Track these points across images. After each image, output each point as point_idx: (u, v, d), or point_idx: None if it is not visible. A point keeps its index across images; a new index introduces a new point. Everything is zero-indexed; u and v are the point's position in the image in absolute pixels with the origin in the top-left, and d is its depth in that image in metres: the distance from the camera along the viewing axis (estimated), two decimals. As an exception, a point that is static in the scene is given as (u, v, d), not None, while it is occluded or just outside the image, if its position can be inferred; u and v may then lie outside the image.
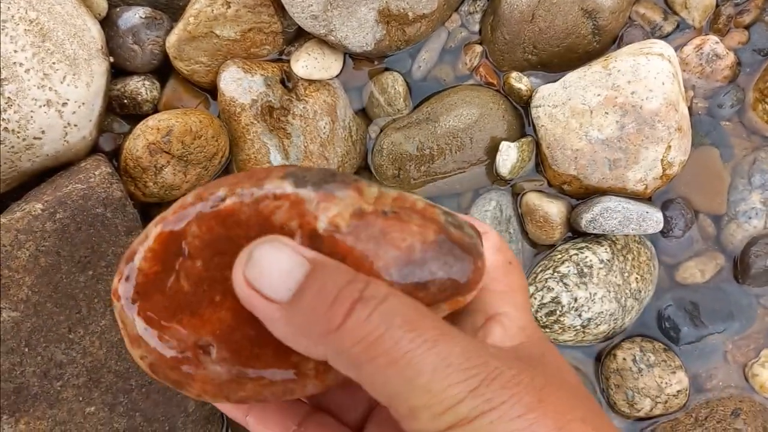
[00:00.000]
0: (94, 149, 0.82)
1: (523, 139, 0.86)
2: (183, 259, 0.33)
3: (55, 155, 0.76)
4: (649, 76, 0.78)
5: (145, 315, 0.34)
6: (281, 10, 0.84)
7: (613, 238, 0.84)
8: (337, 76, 0.88)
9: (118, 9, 0.84)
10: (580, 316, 0.81)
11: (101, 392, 0.73)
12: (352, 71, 0.90)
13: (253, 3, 0.82)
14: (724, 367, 0.87)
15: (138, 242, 0.34)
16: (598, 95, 0.80)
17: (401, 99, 0.89)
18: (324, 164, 0.85)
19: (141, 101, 0.84)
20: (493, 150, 0.86)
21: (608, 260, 0.82)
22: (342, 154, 0.87)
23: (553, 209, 0.84)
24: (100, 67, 0.78)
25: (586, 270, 0.82)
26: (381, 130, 0.90)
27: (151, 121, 0.79)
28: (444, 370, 0.28)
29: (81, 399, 0.72)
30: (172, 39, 0.83)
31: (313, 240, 0.32)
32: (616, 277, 0.82)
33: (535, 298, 0.83)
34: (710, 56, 0.87)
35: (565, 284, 0.82)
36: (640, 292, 0.85)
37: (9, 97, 0.70)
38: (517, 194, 0.88)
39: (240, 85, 0.82)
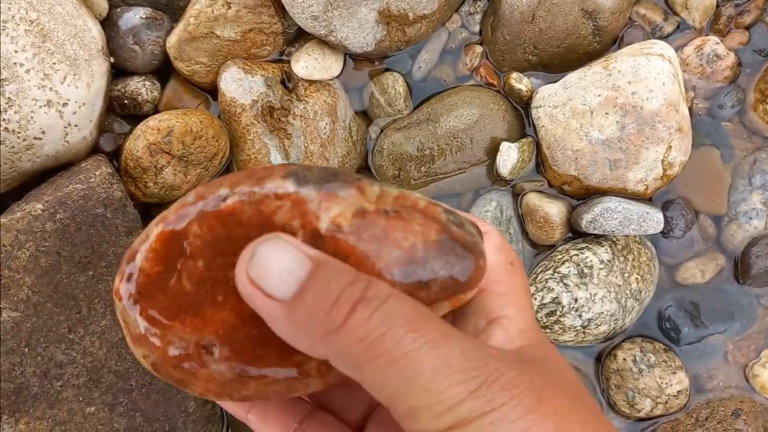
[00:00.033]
0: (94, 149, 0.82)
1: (523, 140, 0.86)
2: (185, 259, 0.33)
3: (56, 155, 0.76)
4: (650, 76, 0.78)
5: (147, 315, 0.34)
6: (282, 11, 0.84)
7: (614, 239, 0.84)
8: (337, 76, 0.88)
9: (118, 9, 0.84)
10: (580, 316, 0.81)
11: (101, 392, 0.73)
12: (352, 72, 0.90)
13: (253, 3, 0.83)
14: (725, 367, 0.87)
15: (139, 242, 0.34)
16: (599, 96, 0.80)
17: (402, 99, 0.89)
18: (324, 164, 0.85)
19: (141, 102, 0.84)
20: (493, 150, 0.86)
21: (609, 261, 0.82)
22: (342, 154, 0.87)
23: (554, 210, 0.84)
24: (100, 68, 0.79)
25: (586, 270, 0.82)
26: (381, 131, 0.90)
27: (152, 121, 0.79)
28: (444, 370, 0.28)
29: (81, 399, 0.72)
30: (172, 39, 0.83)
31: (315, 240, 0.32)
32: (616, 278, 0.82)
33: (536, 299, 0.83)
34: (711, 57, 0.87)
35: (565, 285, 0.82)
36: (641, 292, 0.85)
37: (9, 98, 0.70)
38: (517, 195, 0.88)
39: (240, 85, 0.82)
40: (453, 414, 0.28)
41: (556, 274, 0.82)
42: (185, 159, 0.79)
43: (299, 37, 0.89)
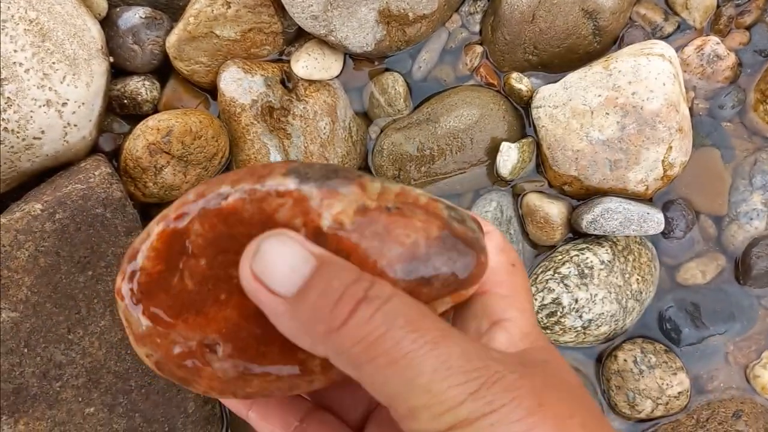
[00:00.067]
0: (93, 149, 0.82)
1: (523, 140, 0.86)
2: (186, 258, 0.33)
3: (55, 155, 0.76)
4: (650, 76, 0.78)
5: (150, 314, 0.34)
6: (281, 11, 0.84)
7: (614, 239, 0.84)
8: (337, 76, 0.88)
9: (118, 9, 0.84)
10: (580, 317, 0.81)
11: (101, 393, 0.72)
12: (352, 72, 0.90)
13: (253, 3, 0.82)
14: (726, 368, 0.87)
15: (140, 241, 0.34)
16: (599, 96, 0.80)
17: (401, 99, 0.88)
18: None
19: (141, 101, 0.84)
20: (493, 151, 0.86)
21: (609, 261, 0.82)
22: (342, 154, 0.86)
23: (554, 210, 0.84)
24: (100, 67, 0.78)
25: (586, 271, 0.82)
26: (381, 131, 0.90)
27: (151, 121, 0.79)
28: (445, 371, 0.28)
29: (80, 400, 0.72)
30: (172, 39, 0.83)
31: (318, 238, 0.32)
32: (617, 278, 0.82)
33: (536, 299, 0.83)
34: (711, 57, 0.87)
35: (565, 285, 0.81)
36: (641, 293, 0.84)
37: (9, 97, 0.70)
38: (517, 195, 0.88)
39: (240, 85, 0.82)
40: (453, 415, 0.28)
41: (556, 275, 0.82)
42: (185, 159, 0.79)
43: (299, 36, 0.88)
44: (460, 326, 0.36)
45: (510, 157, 0.84)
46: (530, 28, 0.85)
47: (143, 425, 0.74)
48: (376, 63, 0.90)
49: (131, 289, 0.34)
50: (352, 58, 0.90)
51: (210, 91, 0.88)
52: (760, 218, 0.87)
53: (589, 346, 0.86)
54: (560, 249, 0.85)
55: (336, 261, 0.30)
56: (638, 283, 0.84)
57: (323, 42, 0.86)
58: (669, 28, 0.90)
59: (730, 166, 0.89)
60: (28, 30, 0.71)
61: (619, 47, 0.89)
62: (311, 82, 0.86)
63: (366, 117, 0.91)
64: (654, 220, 0.81)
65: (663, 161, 0.80)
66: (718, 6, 0.89)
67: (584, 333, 0.82)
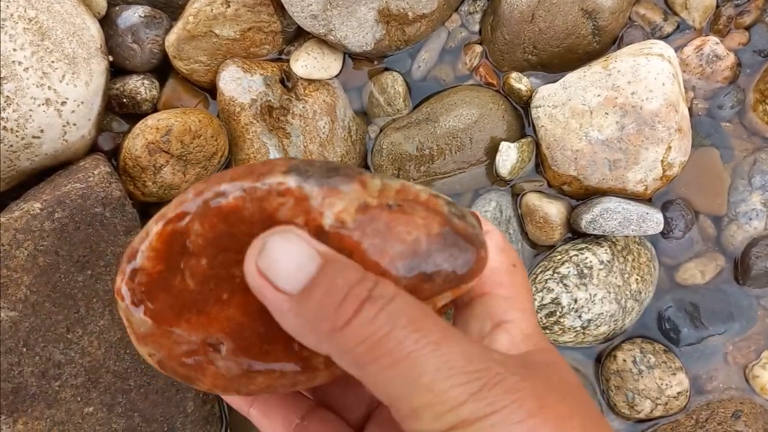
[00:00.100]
0: (93, 148, 0.82)
1: (522, 140, 0.86)
2: (187, 258, 0.33)
3: (54, 154, 0.76)
4: (649, 76, 0.78)
5: (151, 314, 0.34)
6: (281, 10, 0.84)
7: (613, 239, 0.84)
8: (336, 75, 0.88)
9: (117, 8, 0.84)
10: (580, 317, 0.81)
11: (100, 392, 0.72)
12: (351, 71, 0.90)
13: (252, 2, 0.82)
14: (725, 368, 0.87)
15: (139, 240, 0.34)
16: (598, 96, 0.80)
17: (401, 99, 0.88)
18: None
19: (140, 100, 0.84)
20: (492, 150, 0.86)
21: (608, 261, 0.82)
22: (341, 154, 0.86)
23: (553, 210, 0.84)
24: (99, 66, 0.78)
25: (586, 271, 0.82)
26: (380, 130, 0.90)
27: (151, 120, 0.79)
28: (447, 371, 0.28)
29: (79, 399, 0.71)
30: (171, 38, 0.83)
31: (320, 237, 0.32)
32: (616, 278, 0.82)
33: (535, 299, 0.83)
34: (710, 57, 0.87)
35: (565, 285, 0.81)
36: (641, 293, 0.84)
37: (8, 96, 0.70)
38: (516, 195, 0.88)
39: (239, 84, 0.82)
40: (455, 415, 0.28)
41: (555, 275, 0.82)
42: (184, 158, 0.79)
43: (298, 36, 0.88)
44: (462, 328, 0.36)
45: (509, 156, 0.84)
46: (530, 27, 0.85)
47: (142, 425, 0.74)
48: (376, 62, 0.90)
49: (132, 290, 0.34)
50: (352, 58, 0.90)
51: (209, 91, 0.87)
52: (759, 218, 0.87)
53: (588, 346, 0.86)
54: (559, 249, 0.85)
55: (341, 260, 0.30)
56: (637, 283, 0.84)
57: (322, 41, 0.86)
58: (668, 28, 0.90)
59: (730, 166, 0.89)
60: (27, 29, 0.71)
61: (619, 47, 0.89)
62: (310, 81, 0.86)
63: (365, 116, 0.91)
64: (653, 220, 0.81)
65: (662, 161, 0.80)
66: (718, 6, 0.89)
67: (583, 333, 0.82)
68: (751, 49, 0.89)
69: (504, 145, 0.84)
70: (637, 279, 0.84)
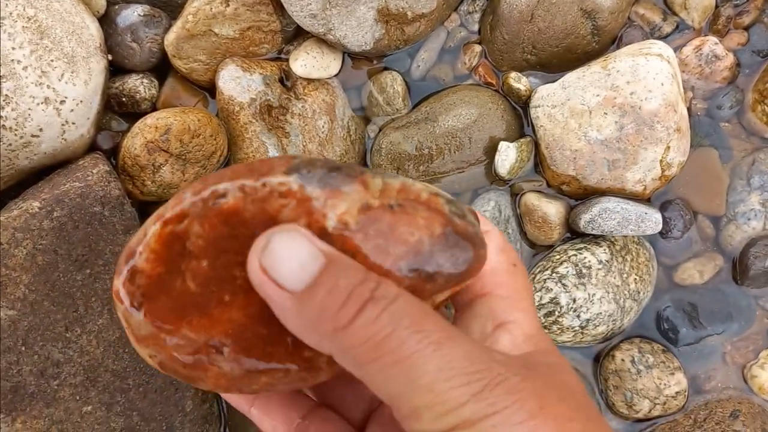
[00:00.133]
0: (92, 147, 0.82)
1: (522, 140, 0.86)
2: (188, 260, 0.33)
3: (53, 153, 0.76)
4: (648, 76, 0.78)
5: (152, 317, 0.34)
6: (280, 9, 0.84)
7: (612, 239, 0.84)
8: (335, 75, 0.88)
9: (116, 6, 0.84)
10: (578, 316, 0.81)
11: (98, 391, 0.72)
12: (350, 70, 0.90)
13: (251, 1, 0.82)
14: (723, 368, 0.87)
15: (137, 241, 0.34)
16: (597, 96, 0.80)
17: (400, 98, 0.88)
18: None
19: (139, 99, 0.84)
20: (491, 150, 0.86)
21: (607, 261, 0.82)
22: (340, 153, 0.86)
23: (552, 210, 0.84)
24: (98, 65, 0.78)
25: (584, 271, 0.82)
26: (380, 130, 0.90)
27: (150, 119, 0.79)
28: (448, 372, 0.28)
29: (78, 398, 0.71)
30: (170, 37, 0.83)
31: (323, 238, 0.32)
32: (614, 278, 0.82)
33: (534, 299, 0.83)
34: (709, 57, 0.87)
35: (563, 285, 0.81)
36: (639, 293, 0.85)
37: (7, 95, 0.70)
38: (515, 194, 0.88)
39: (239, 83, 0.82)
40: (456, 415, 0.28)
41: (554, 275, 0.82)
42: (183, 157, 0.79)
43: (298, 35, 0.88)
44: (464, 328, 0.36)
45: (508, 156, 0.84)
46: (529, 27, 0.85)
47: (141, 424, 0.74)
48: (375, 62, 0.90)
49: (131, 292, 0.34)
50: (351, 57, 0.90)
51: (208, 90, 0.87)
52: (757, 218, 0.87)
53: (586, 346, 0.86)
54: (558, 249, 0.86)
55: (344, 260, 0.31)
56: (636, 283, 0.84)
57: (322, 41, 0.86)
58: (667, 28, 0.90)
59: (728, 167, 0.89)
60: (26, 27, 0.71)
61: (618, 47, 0.89)
62: (310, 80, 0.86)
63: (364, 116, 0.91)
64: (652, 220, 0.81)
65: (661, 161, 0.80)
66: (717, 6, 0.89)
67: (582, 333, 0.82)
68: (750, 50, 0.89)
69: (503, 145, 0.84)
70: (635, 279, 0.84)
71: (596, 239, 0.84)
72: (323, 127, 0.85)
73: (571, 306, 0.81)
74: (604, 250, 0.83)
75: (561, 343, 0.84)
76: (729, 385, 0.87)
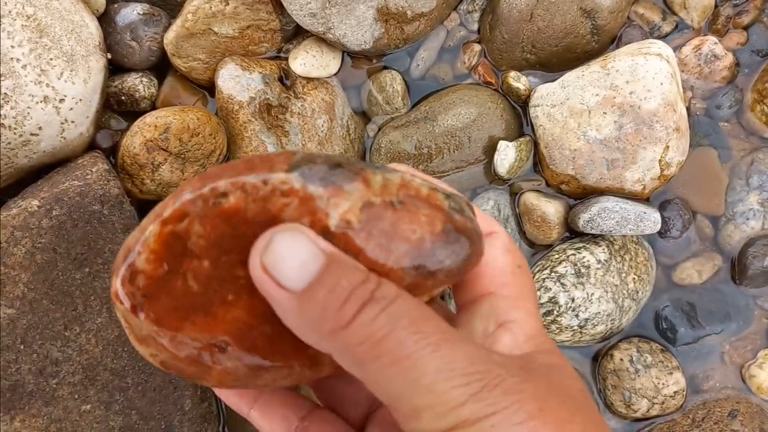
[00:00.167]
0: (91, 146, 0.81)
1: (521, 139, 0.86)
2: (189, 260, 0.33)
3: (52, 152, 0.76)
4: (648, 76, 0.78)
5: (154, 317, 0.34)
6: (280, 8, 0.84)
7: (611, 239, 0.84)
8: (335, 74, 0.88)
9: (116, 5, 0.84)
10: (577, 316, 0.81)
11: (97, 390, 0.72)
12: (350, 69, 0.90)
13: (251, 0, 0.82)
14: (721, 368, 0.87)
15: (134, 240, 0.34)
16: (597, 95, 0.80)
17: (399, 98, 0.88)
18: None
19: (139, 98, 0.84)
20: (491, 149, 0.86)
21: (606, 260, 0.82)
22: (340, 152, 0.86)
23: (551, 209, 0.84)
24: (97, 64, 0.78)
25: (583, 270, 0.82)
26: (379, 129, 0.90)
27: (149, 118, 0.79)
28: (448, 372, 0.29)
29: (77, 397, 0.71)
30: (170, 36, 0.83)
31: (326, 237, 0.32)
32: (613, 278, 0.82)
33: (537, 300, 0.83)
34: (709, 57, 0.87)
35: (562, 284, 0.82)
36: (638, 292, 0.85)
37: (6, 93, 0.70)
38: (515, 194, 0.88)
39: (238, 82, 0.82)
40: (455, 415, 0.28)
41: (553, 274, 0.82)
42: (182, 156, 0.79)
43: (297, 34, 0.88)
44: (466, 326, 0.37)
45: (507, 155, 0.84)
46: (528, 26, 0.85)
47: (139, 422, 0.74)
48: (374, 61, 0.90)
49: (131, 293, 0.34)
50: (350, 56, 0.90)
51: (208, 88, 0.87)
52: (756, 218, 0.87)
53: (585, 345, 0.87)
54: (557, 248, 0.86)
55: (345, 260, 0.31)
56: (635, 283, 0.84)
57: (321, 40, 0.86)
58: (667, 28, 0.90)
59: (727, 166, 0.89)
60: (25, 26, 0.71)
61: (617, 46, 0.89)
62: (309, 79, 0.86)
63: (364, 115, 0.91)
64: (651, 220, 0.81)
65: (660, 161, 0.80)
66: (716, 6, 0.89)
67: (581, 332, 0.83)
68: (749, 49, 0.89)
69: (502, 144, 0.84)
70: (634, 278, 0.84)
71: (595, 239, 0.84)
72: (322, 126, 0.85)
73: (569, 305, 0.81)
74: (603, 249, 0.83)
75: (560, 342, 0.84)
76: (727, 385, 0.87)
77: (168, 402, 0.75)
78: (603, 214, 0.80)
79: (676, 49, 0.88)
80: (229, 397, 0.42)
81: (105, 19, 0.83)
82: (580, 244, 0.84)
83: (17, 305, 0.69)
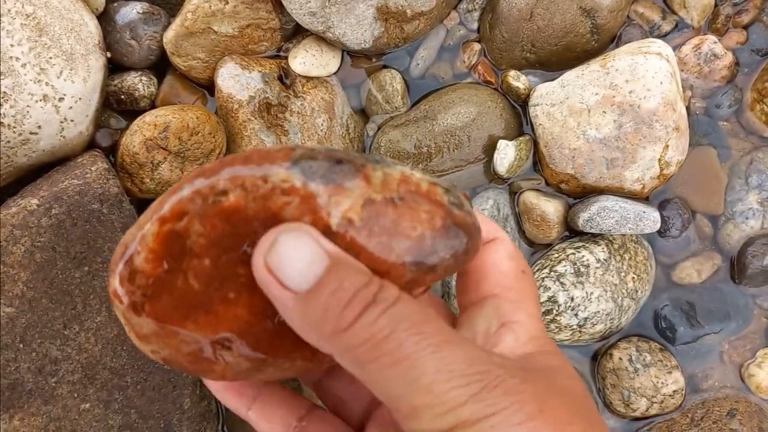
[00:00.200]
0: (90, 145, 0.81)
1: (520, 138, 0.86)
2: (189, 259, 0.33)
3: (52, 150, 0.76)
4: (647, 75, 0.78)
5: (155, 315, 0.34)
6: (279, 7, 0.84)
7: (610, 238, 0.84)
8: (335, 73, 0.88)
9: (115, 4, 0.84)
10: (576, 315, 0.81)
11: (96, 389, 0.72)
12: (350, 68, 0.90)
13: (251, -1, 0.82)
14: (720, 367, 0.88)
15: (131, 237, 0.34)
16: (596, 94, 0.80)
17: (399, 97, 0.88)
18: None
19: (138, 97, 0.84)
20: (490, 148, 0.86)
21: (605, 260, 0.82)
22: (339, 151, 0.86)
23: (550, 208, 0.84)
24: (97, 63, 0.78)
25: (582, 269, 0.82)
26: (379, 128, 0.90)
27: (148, 117, 0.79)
28: (447, 373, 0.29)
29: (76, 395, 0.72)
30: (169, 34, 0.83)
31: (328, 236, 0.32)
32: (612, 277, 0.82)
33: (540, 304, 0.83)
34: (708, 56, 0.87)
35: (561, 283, 0.81)
36: (637, 291, 0.85)
37: (5, 92, 0.70)
38: (514, 193, 0.88)
39: (237, 81, 0.82)
40: (455, 415, 0.28)
41: (552, 273, 0.82)
42: (182, 155, 0.79)
43: (297, 33, 0.88)
44: (469, 326, 0.37)
45: (507, 155, 0.84)
46: (528, 25, 0.85)
47: (139, 421, 0.74)
48: (374, 60, 0.90)
49: (131, 292, 0.34)
50: (350, 55, 0.90)
51: (207, 87, 0.87)
52: (755, 217, 0.87)
53: (584, 345, 0.87)
54: (556, 247, 0.86)
55: (348, 261, 0.31)
56: (634, 282, 0.84)
57: (321, 39, 0.86)
58: (667, 27, 0.90)
59: (727, 166, 0.89)
60: (24, 25, 0.71)
61: (617, 46, 0.89)
62: (309, 78, 0.86)
63: (363, 114, 0.91)
64: (650, 219, 0.81)
65: (659, 160, 0.80)
66: (716, 5, 0.89)
67: (580, 331, 0.83)
68: (749, 49, 0.89)
69: (502, 143, 0.84)
70: (633, 277, 0.84)
71: (594, 238, 0.84)
72: (322, 125, 0.85)
73: (569, 304, 0.81)
74: (603, 248, 0.83)
75: (559, 341, 0.84)
76: (726, 384, 0.87)
77: (167, 401, 0.75)
78: (602, 214, 0.80)
79: (676, 48, 0.88)
80: (227, 398, 0.42)
81: (104, 18, 0.83)
82: (580, 244, 0.84)
83: (16, 304, 0.69)
